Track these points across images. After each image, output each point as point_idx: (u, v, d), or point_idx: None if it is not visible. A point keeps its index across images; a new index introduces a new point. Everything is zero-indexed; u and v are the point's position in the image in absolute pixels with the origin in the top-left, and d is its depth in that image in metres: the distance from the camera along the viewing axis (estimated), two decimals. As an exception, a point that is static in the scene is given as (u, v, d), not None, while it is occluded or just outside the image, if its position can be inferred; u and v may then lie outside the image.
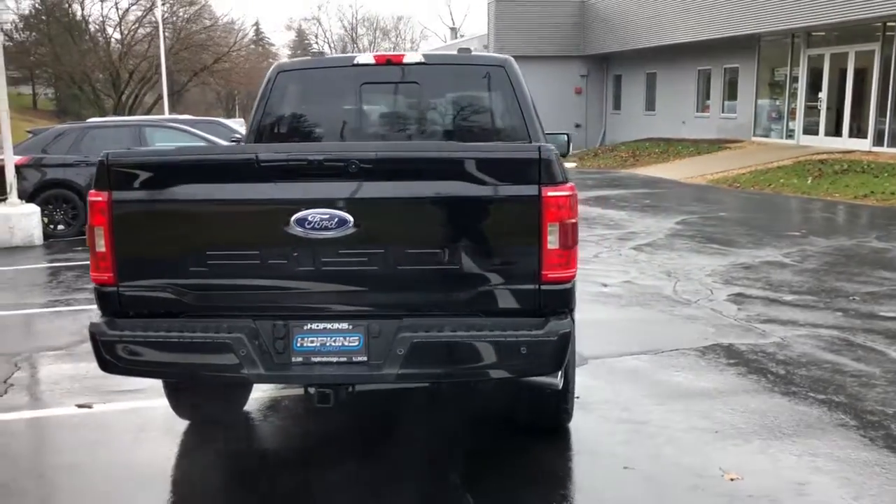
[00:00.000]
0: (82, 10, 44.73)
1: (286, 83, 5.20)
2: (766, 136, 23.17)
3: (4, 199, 11.68)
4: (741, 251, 9.78)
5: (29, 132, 13.03)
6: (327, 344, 3.41)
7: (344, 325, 3.41)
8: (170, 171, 3.39)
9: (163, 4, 39.59)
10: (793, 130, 21.93)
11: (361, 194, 3.29)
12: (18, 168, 11.77)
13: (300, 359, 3.42)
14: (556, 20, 31.26)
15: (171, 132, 12.94)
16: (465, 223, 3.34)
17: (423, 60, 5.12)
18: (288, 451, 4.42)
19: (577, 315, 6.80)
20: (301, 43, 75.11)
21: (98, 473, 4.04)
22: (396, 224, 3.34)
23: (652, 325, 6.68)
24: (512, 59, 5.25)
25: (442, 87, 5.19)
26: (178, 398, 4.34)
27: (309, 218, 3.29)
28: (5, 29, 50.29)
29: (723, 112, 25.31)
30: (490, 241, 3.34)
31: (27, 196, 11.85)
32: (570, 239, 3.37)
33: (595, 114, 32.43)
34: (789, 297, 7.41)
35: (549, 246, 3.31)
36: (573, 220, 3.37)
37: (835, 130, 20.37)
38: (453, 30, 47.06)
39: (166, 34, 42.43)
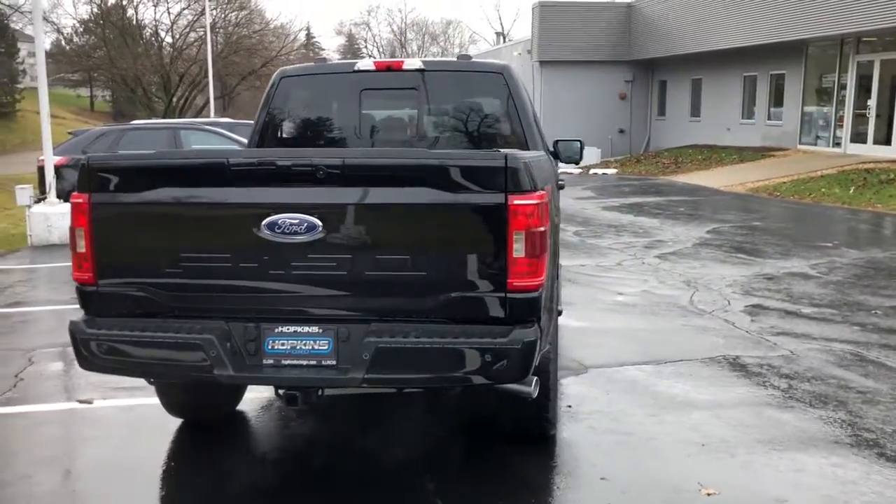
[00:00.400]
0: (136, 14, 45.97)
1: (289, 88, 5.29)
2: (813, 144, 22.64)
3: (44, 199, 12.06)
4: (767, 262, 9.59)
5: (70, 133, 13.43)
6: (297, 347, 3.46)
7: (314, 329, 3.45)
8: (146, 174, 3.47)
9: (214, 9, 40.44)
10: (840, 139, 21.40)
11: (329, 200, 3.33)
12: (58, 168, 12.14)
13: (271, 361, 3.47)
14: (601, 25, 31.04)
15: (205, 135, 13.21)
16: (431, 230, 3.35)
17: (422, 67, 5.16)
18: (273, 452, 4.49)
19: (587, 324, 6.84)
20: (351, 47, 75.92)
21: (81, 468, 4.15)
22: (364, 230, 3.37)
23: (661, 335, 6.60)
24: (510, 66, 5.25)
25: (440, 94, 5.20)
26: (168, 397, 4.43)
27: (279, 222, 3.34)
28: (65, 33, 51.96)
29: (768, 119, 24.82)
30: (456, 248, 3.35)
31: (66, 196, 12.19)
32: (537, 248, 3.35)
33: (640, 119, 32.10)
34: (807, 310, 7.25)
35: (515, 254, 3.30)
36: (541, 229, 3.36)
37: (884, 139, 19.80)
38: (499, 34, 46.99)
39: (218, 38, 43.30)
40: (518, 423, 4.26)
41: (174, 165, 3.56)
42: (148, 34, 47.94)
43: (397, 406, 4.94)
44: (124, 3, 44.91)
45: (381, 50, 74.93)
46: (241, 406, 4.90)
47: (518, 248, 3.31)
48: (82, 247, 3.51)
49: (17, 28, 48.50)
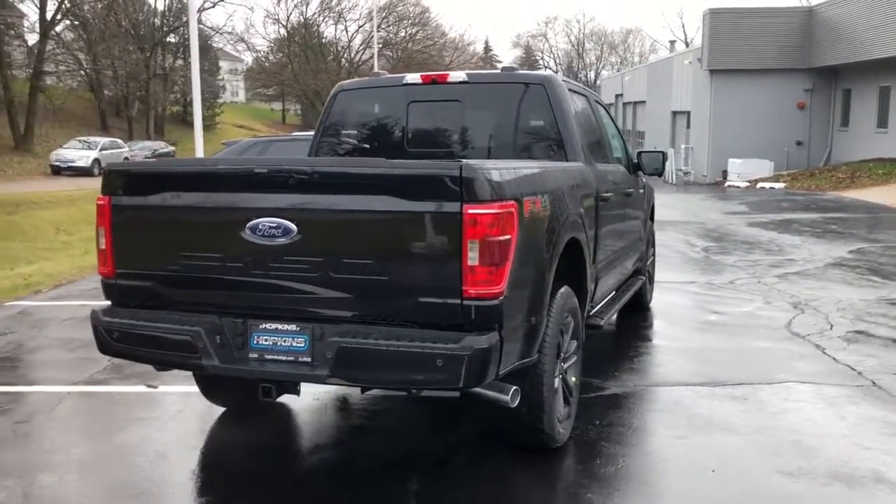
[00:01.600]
0: (318, 33, 48.99)
1: (345, 100, 5.58)
2: None
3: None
4: (900, 285, 8.77)
5: (223, 144, 14.56)
6: (278, 343, 3.69)
7: (292, 327, 3.66)
8: (153, 180, 3.85)
9: (388, 26, 42.29)
10: None
11: (301, 205, 3.54)
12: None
13: (256, 355, 3.72)
14: (777, 31, 29.35)
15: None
16: (393, 236, 3.47)
17: (465, 79, 5.27)
18: (293, 443, 4.75)
19: (665, 342, 6.62)
20: (528, 59, 76.42)
21: (118, 443, 4.61)
22: (332, 234, 3.54)
23: (736, 356, 6.26)
24: (555, 76, 5.23)
25: (482, 105, 5.28)
26: (205, 386, 4.81)
27: (260, 226, 3.59)
28: (261, 53, 56.17)
29: (964, 130, 22.45)
30: (416, 255, 3.44)
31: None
32: (495, 257, 3.38)
33: (819, 131, 29.97)
34: (919, 340, 6.59)
35: (470, 262, 3.35)
36: (499, 239, 3.38)
37: None
38: (672, 42, 45.57)
39: (391, 53, 45.10)
40: (515, 434, 4.26)
41: (175, 172, 3.92)
42: (334, 51, 50.92)
43: (404, 408, 5.06)
44: (308, 22, 48.03)
45: (557, 61, 74.89)
46: (284, 398, 5.18)
47: (472, 257, 3.35)
48: (103, 244, 3.93)
49: (219, 47, 53.19)
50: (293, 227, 3.54)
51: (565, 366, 4.47)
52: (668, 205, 19.17)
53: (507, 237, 3.44)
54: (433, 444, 4.61)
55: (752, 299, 8.26)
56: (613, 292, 6.27)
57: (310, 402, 5.17)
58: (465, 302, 3.39)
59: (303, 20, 47.23)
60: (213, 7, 54.40)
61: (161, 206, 3.80)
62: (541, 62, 75.69)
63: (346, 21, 49.45)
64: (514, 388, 3.76)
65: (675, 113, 36.13)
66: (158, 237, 3.86)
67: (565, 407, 4.45)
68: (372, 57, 45.07)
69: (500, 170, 3.53)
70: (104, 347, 3.97)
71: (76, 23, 41.98)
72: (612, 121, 6.81)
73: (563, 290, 4.31)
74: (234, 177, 3.68)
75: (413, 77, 5.42)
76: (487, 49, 78.88)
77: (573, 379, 4.62)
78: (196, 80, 12.50)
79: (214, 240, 3.73)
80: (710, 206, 19.08)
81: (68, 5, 37.95)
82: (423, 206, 3.39)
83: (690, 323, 7.39)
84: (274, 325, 3.69)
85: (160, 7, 47.42)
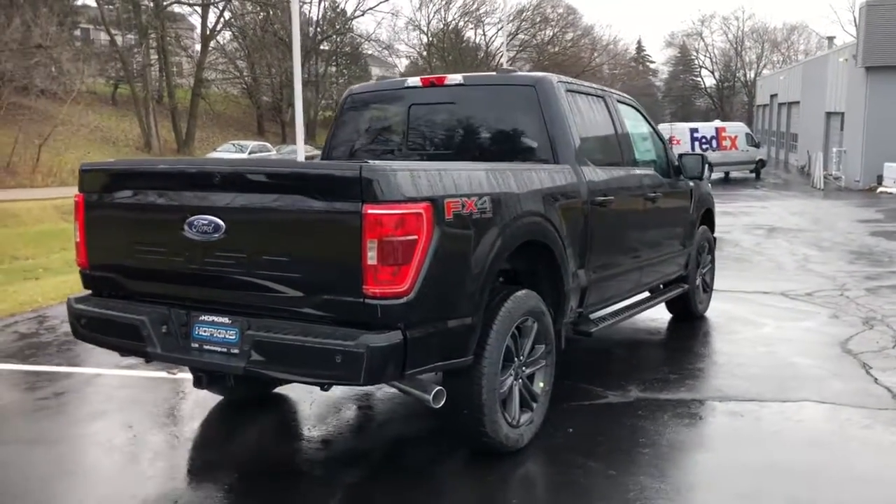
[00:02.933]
0: (458, 38, 49.80)
1: (354, 103, 5.74)
2: None
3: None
4: None
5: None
6: (215, 335, 3.88)
7: (226, 320, 3.85)
8: (113, 179, 4.16)
9: (529, 27, 42.15)
10: None
11: (226, 204, 3.72)
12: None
13: (196, 345, 3.94)
14: (945, 23, 26.80)
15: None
16: (304, 235, 3.58)
17: (461, 82, 5.29)
18: (275, 432, 4.94)
19: (700, 354, 6.30)
20: (683, 58, 73.82)
21: (111, 420, 4.99)
22: (253, 232, 3.70)
23: (767, 371, 5.85)
24: (547, 77, 5.14)
25: (474, 107, 5.27)
26: (195, 374, 5.08)
27: (195, 222, 3.81)
28: (410, 59, 57.61)
29: None
30: (323, 253, 3.54)
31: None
32: (398, 257, 3.41)
33: None
34: None
35: (369, 261, 3.40)
36: (402, 239, 3.41)
37: None
38: (831, 38, 42.38)
39: (536, 56, 45.03)
40: (460, 437, 4.24)
41: (129, 171, 4.22)
42: (477, 56, 51.56)
43: (379, 409, 5.14)
44: (448, 28, 48.96)
45: (714, 61, 71.83)
46: (284, 391, 5.40)
47: (372, 256, 3.40)
48: (78, 237, 4.29)
49: (369, 53, 55.09)
50: (222, 224, 3.73)
51: (527, 371, 4.41)
52: (797, 212, 18.08)
53: (413, 237, 3.46)
54: (391, 443, 4.68)
55: (820, 312, 7.70)
56: (632, 300, 6.08)
57: (302, 393, 5.35)
58: (368, 301, 3.45)
59: (443, 26, 48.22)
60: (361, 15, 56.48)
61: (120, 203, 4.11)
62: (696, 62, 72.90)
63: (484, 25, 50.26)
64: (439, 388, 3.76)
65: (828, 114, 33.82)
66: (119, 232, 4.17)
67: (525, 412, 4.38)
68: (509, 61, 45.35)
69: (410, 171, 3.56)
70: (75, 332, 4.33)
71: (235, 33, 44.83)
72: (648, 122, 6.58)
73: (520, 293, 4.26)
74: (175, 176, 3.92)
75: (414, 80, 5.50)
76: (640, 49, 76.81)
77: (541, 384, 4.54)
78: (298, 85, 13.08)
79: (161, 235, 3.98)
80: (842, 214, 17.77)
81: (227, 16, 40.59)
82: (327, 205, 3.49)
83: (738, 335, 6.98)
84: (212, 318, 3.89)
85: (314, 17, 49.80)
